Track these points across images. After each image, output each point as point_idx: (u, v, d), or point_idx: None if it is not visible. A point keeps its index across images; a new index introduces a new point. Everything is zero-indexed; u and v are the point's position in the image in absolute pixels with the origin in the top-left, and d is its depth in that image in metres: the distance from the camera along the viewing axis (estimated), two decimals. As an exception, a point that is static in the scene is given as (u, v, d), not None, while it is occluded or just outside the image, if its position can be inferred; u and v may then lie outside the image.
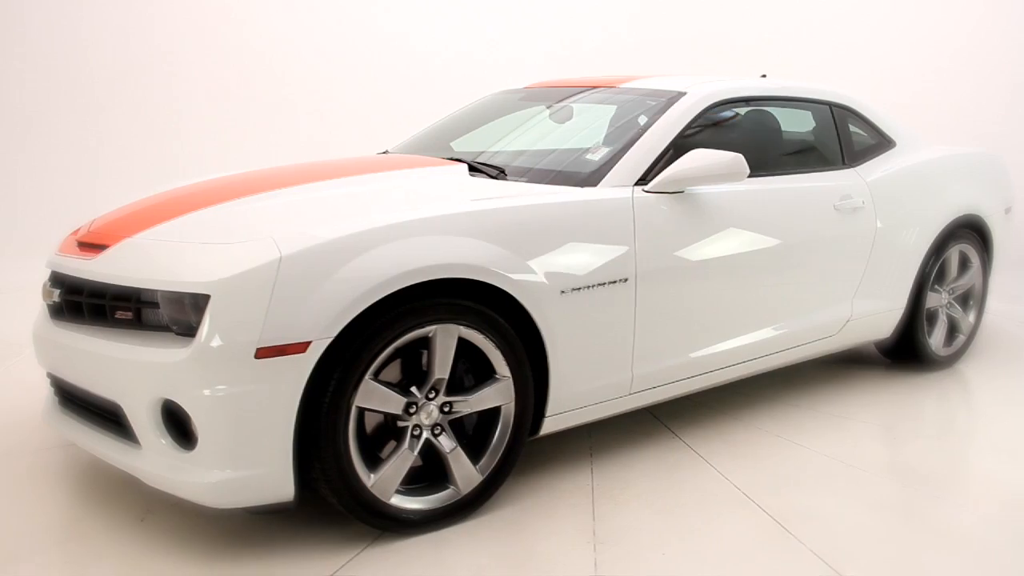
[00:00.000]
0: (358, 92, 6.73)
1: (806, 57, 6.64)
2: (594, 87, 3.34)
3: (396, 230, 2.13)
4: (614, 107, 3.17)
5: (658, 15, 7.12)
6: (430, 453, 2.30)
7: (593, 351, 2.52)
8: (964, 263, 3.83)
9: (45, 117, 6.02)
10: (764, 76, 3.82)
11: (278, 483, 2.05)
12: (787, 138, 3.41)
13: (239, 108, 6.56)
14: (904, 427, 3.23)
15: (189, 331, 2.01)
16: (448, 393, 2.28)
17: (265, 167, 2.99)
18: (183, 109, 6.44)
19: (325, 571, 2.10)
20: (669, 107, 2.91)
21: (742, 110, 3.23)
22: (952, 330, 3.85)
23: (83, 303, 2.27)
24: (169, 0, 6.39)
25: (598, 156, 2.76)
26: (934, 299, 3.71)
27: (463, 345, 2.28)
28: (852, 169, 3.43)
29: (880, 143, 3.62)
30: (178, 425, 2.07)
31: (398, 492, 2.24)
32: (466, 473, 2.32)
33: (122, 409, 2.13)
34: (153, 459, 2.11)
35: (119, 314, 2.19)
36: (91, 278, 2.25)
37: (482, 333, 2.27)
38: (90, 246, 2.36)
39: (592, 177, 2.66)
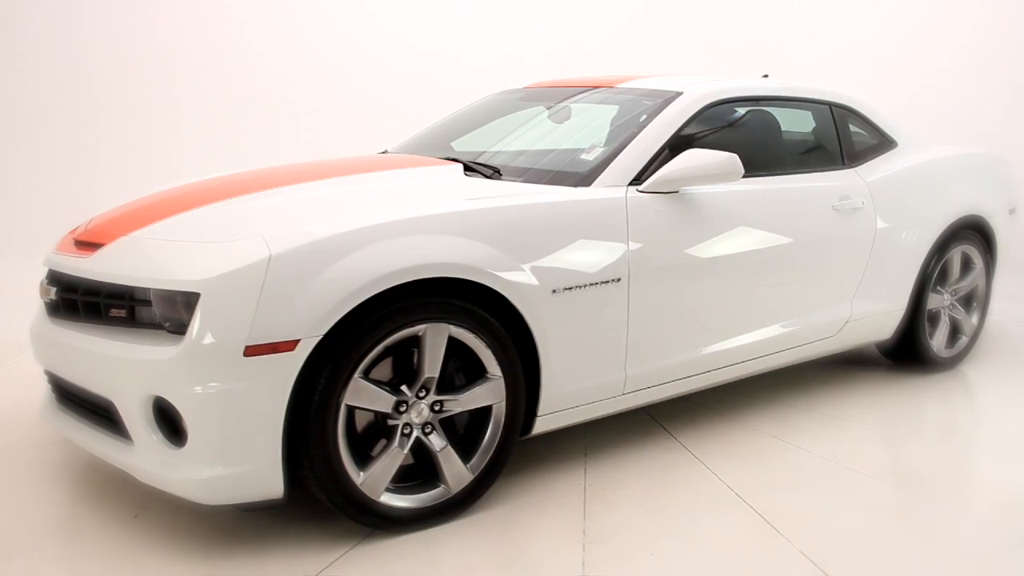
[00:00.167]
0: (359, 92, 6.75)
1: (810, 57, 6.61)
2: (592, 87, 3.34)
3: (385, 230, 2.14)
4: (611, 107, 3.17)
5: (661, 15, 7.11)
6: (422, 452, 2.31)
7: (585, 351, 2.52)
8: (967, 264, 3.81)
9: (45, 117, 6.07)
10: (766, 76, 3.81)
11: (267, 480, 2.07)
12: (786, 138, 3.39)
13: (239, 108, 6.59)
14: (903, 429, 3.21)
15: (180, 329, 2.03)
16: (439, 392, 2.29)
17: (262, 167, 3.02)
18: (183, 109, 6.48)
19: (314, 568, 2.11)
20: (665, 107, 2.90)
21: (740, 110, 3.21)
22: (955, 331, 3.83)
23: (78, 301, 2.30)
24: (169, 0, 6.44)
25: (592, 156, 2.76)
26: (936, 300, 3.69)
27: (455, 344, 2.29)
28: (852, 169, 3.41)
29: (881, 143, 3.60)
30: (169, 422, 2.09)
31: (388, 490, 2.25)
32: (456, 472, 2.33)
33: (115, 406, 2.15)
34: (145, 456, 2.13)
35: (113, 312, 2.21)
36: (86, 276, 2.28)
37: (473, 332, 2.28)
38: (86, 244, 2.38)
39: (586, 177, 2.66)
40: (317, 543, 2.23)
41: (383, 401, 2.19)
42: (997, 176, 3.99)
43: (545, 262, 2.38)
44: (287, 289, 2.01)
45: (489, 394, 2.35)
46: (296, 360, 2.01)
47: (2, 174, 6.08)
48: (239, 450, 2.02)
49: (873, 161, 3.52)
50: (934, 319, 3.74)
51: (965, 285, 3.82)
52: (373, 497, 2.20)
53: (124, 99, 6.25)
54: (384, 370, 2.27)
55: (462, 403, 2.33)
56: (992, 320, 4.43)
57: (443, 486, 2.32)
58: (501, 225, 2.32)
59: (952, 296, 3.79)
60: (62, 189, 6.02)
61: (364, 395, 2.15)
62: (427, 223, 2.21)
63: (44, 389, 2.60)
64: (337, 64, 6.74)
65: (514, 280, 2.30)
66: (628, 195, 2.62)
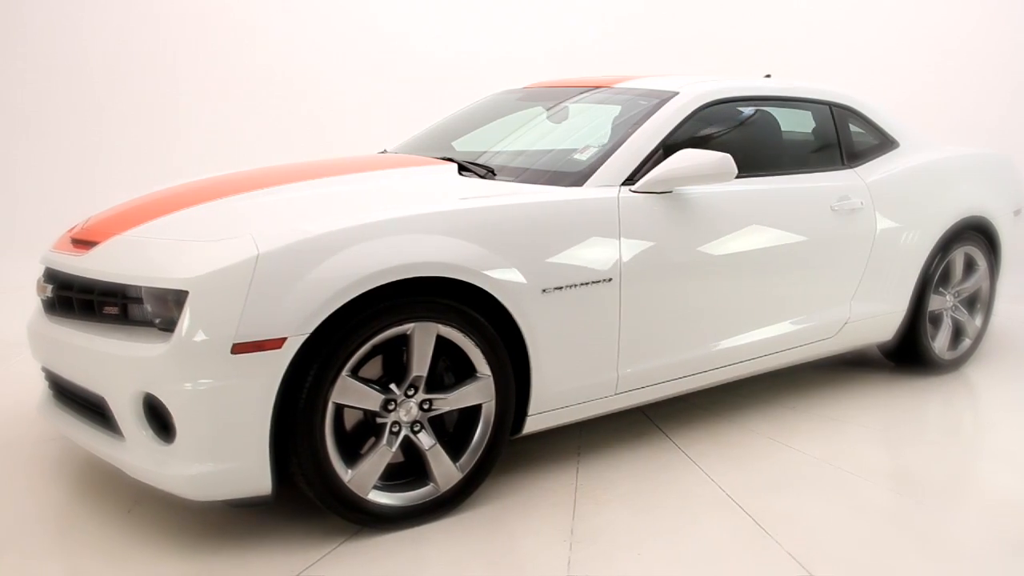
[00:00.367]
0: (359, 92, 6.77)
1: (814, 58, 6.57)
2: (590, 87, 3.34)
3: (372, 229, 2.15)
4: (608, 107, 3.17)
5: (665, 15, 7.08)
6: (412, 450, 2.32)
7: (576, 351, 2.52)
8: (970, 265, 3.77)
9: (45, 117, 6.12)
10: (768, 76, 3.80)
11: (255, 477, 2.09)
12: (784, 138, 3.38)
13: (240, 108, 6.62)
14: (902, 431, 3.18)
15: (171, 326, 2.05)
16: (428, 391, 2.30)
17: (258, 166, 3.04)
18: (183, 109, 6.52)
19: (302, 564, 2.13)
20: (660, 107, 2.90)
21: (737, 110, 3.20)
22: (957, 333, 3.79)
23: (73, 298, 2.33)
24: (170, 0, 6.49)
25: (586, 156, 2.76)
26: (938, 302, 3.66)
27: (444, 343, 2.30)
28: (851, 170, 3.39)
29: (883, 143, 3.58)
30: (159, 419, 2.11)
31: (377, 488, 2.26)
32: (445, 470, 2.34)
33: (107, 402, 2.18)
34: (136, 451, 2.16)
35: (106, 309, 2.24)
36: (80, 274, 2.31)
37: (461, 332, 2.29)
38: (81, 243, 2.41)
39: (579, 177, 2.66)
40: (306, 539, 2.24)
41: (371, 399, 2.21)
42: (1002, 177, 3.95)
43: (535, 262, 2.38)
44: (275, 287, 2.03)
45: (478, 393, 2.36)
46: (283, 358, 2.03)
47: (2, 174, 6.15)
48: (227, 447, 2.04)
49: (874, 161, 3.49)
50: (936, 321, 3.71)
51: (968, 287, 3.78)
52: (361, 495, 2.22)
53: (124, 99, 6.30)
54: (374, 368, 2.28)
55: (451, 402, 2.33)
56: (997, 322, 4.39)
57: (432, 484, 2.33)
58: (490, 225, 2.33)
59: (955, 298, 3.75)
60: (62, 189, 6.08)
61: (352, 393, 2.16)
62: (414, 223, 2.22)
63: (42, 386, 2.63)
64: (337, 64, 6.77)
65: (503, 279, 2.30)
66: (621, 195, 2.62)
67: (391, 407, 2.25)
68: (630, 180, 2.69)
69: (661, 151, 2.78)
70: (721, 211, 2.83)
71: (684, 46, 6.87)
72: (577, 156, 2.80)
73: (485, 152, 3.07)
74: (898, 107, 3.82)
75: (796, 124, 3.47)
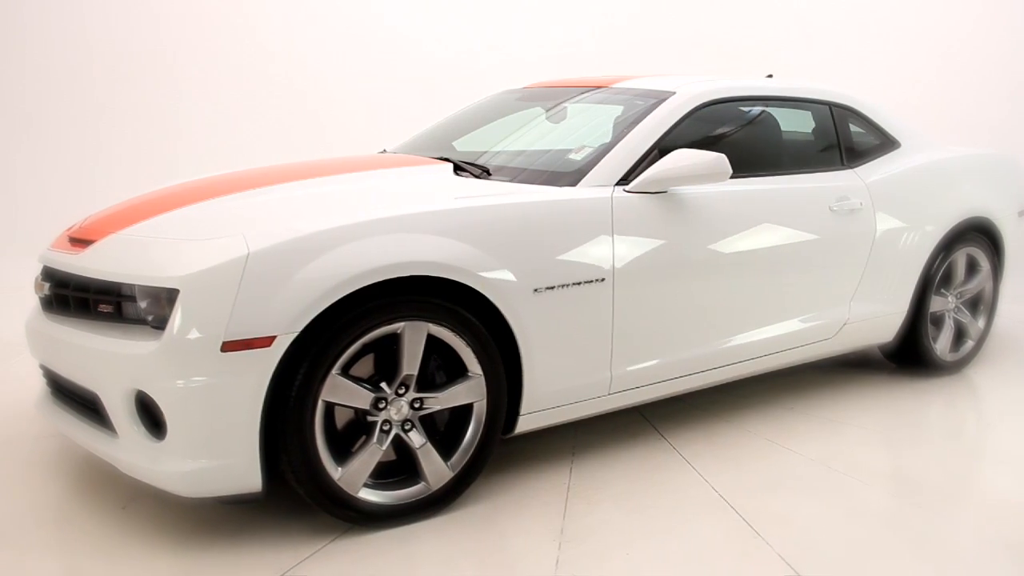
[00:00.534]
0: (360, 92, 6.79)
1: (817, 58, 6.55)
2: (589, 87, 3.34)
3: (362, 228, 2.16)
4: (605, 107, 3.17)
5: (668, 15, 7.07)
6: (404, 448, 2.33)
7: (569, 350, 2.52)
8: (973, 267, 3.74)
9: (45, 117, 6.17)
10: (770, 76, 3.78)
11: (246, 474, 2.10)
12: (782, 139, 3.37)
13: (240, 108, 6.65)
14: (902, 433, 3.16)
15: (163, 324, 2.07)
16: (419, 389, 2.31)
17: (255, 166, 3.06)
18: (184, 109, 6.55)
19: (292, 561, 2.14)
20: (656, 107, 2.90)
21: (735, 110, 3.20)
22: (960, 335, 3.76)
23: (69, 296, 2.35)
24: (170, 0, 6.52)
25: (580, 156, 2.77)
26: (939, 303, 3.63)
27: (436, 342, 2.31)
28: (851, 170, 3.37)
29: (883, 144, 3.56)
30: (151, 416, 2.13)
31: (367, 486, 2.27)
32: (436, 469, 2.34)
33: (100, 399, 2.20)
34: (128, 448, 2.18)
35: (101, 307, 2.26)
36: (76, 272, 2.33)
37: (452, 331, 2.29)
38: (78, 241, 2.44)
39: (573, 177, 2.67)
40: (296, 536, 2.26)
41: (361, 398, 2.22)
42: (1006, 177, 3.92)
43: (526, 261, 2.38)
44: (265, 286, 2.04)
45: (470, 392, 2.37)
46: (273, 356, 2.04)
47: (2, 174, 6.20)
48: (217, 444, 2.06)
49: (874, 162, 3.47)
50: (938, 322, 3.68)
51: (971, 288, 3.76)
52: (351, 492, 2.23)
53: (124, 99, 6.34)
54: (366, 367, 2.29)
55: (442, 401, 2.34)
56: (1001, 323, 4.36)
57: (423, 483, 2.34)
58: (480, 224, 2.33)
59: (957, 299, 3.72)
60: (62, 189, 6.13)
61: (341, 391, 2.17)
62: (403, 222, 2.23)
63: (40, 384, 2.66)
64: (338, 64, 6.79)
65: (493, 279, 2.31)
66: (614, 195, 2.62)
67: (382, 406, 2.26)
68: (625, 180, 2.69)
69: (657, 151, 2.77)
70: (716, 211, 2.83)
71: (686, 46, 6.86)
72: (572, 156, 2.80)
73: (484, 152, 3.07)
74: (898, 107, 3.79)
75: (795, 124, 3.46)
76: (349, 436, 2.30)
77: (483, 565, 2.16)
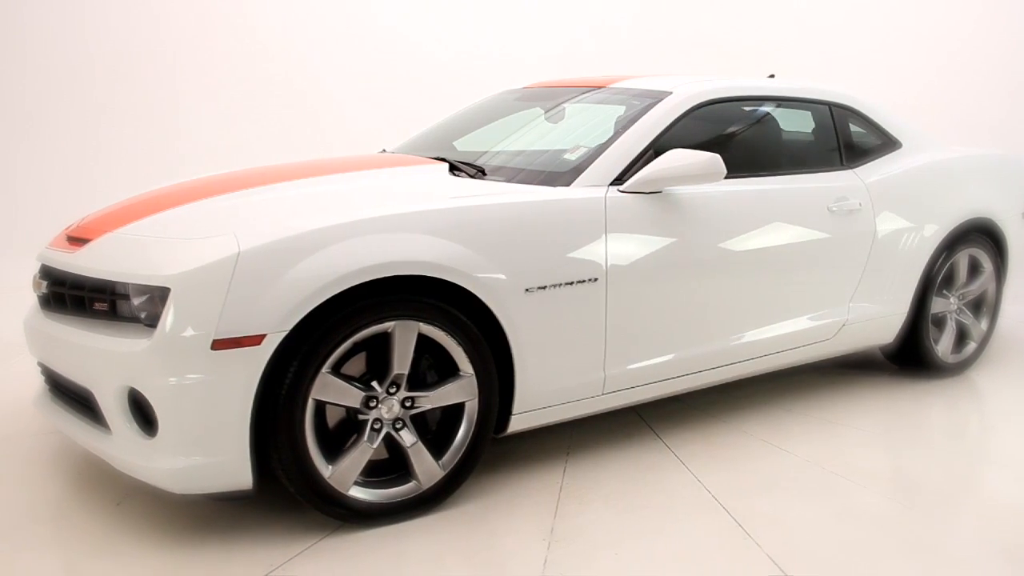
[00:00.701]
0: (361, 92, 6.81)
1: (817, 58, 6.53)
2: (587, 87, 3.34)
3: (352, 228, 2.17)
4: (603, 107, 3.17)
5: (671, 15, 7.06)
6: (396, 447, 2.34)
7: (562, 350, 2.53)
8: (975, 268, 3.71)
9: (45, 116, 6.21)
10: (772, 76, 3.77)
11: (236, 471, 2.12)
12: (781, 139, 3.36)
13: (240, 108, 6.67)
14: (901, 435, 3.14)
15: (156, 322, 2.09)
16: (410, 388, 2.32)
17: (252, 166, 3.08)
18: (184, 109, 6.58)
19: (282, 557, 2.16)
20: (652, 107, 2.90)
21: (733, 110, 3.19)
22: (962, 337, 3.74)
23: (66, 294, 2.38)
24: (170, 0, 6.56)
25: (575, 156, 2.77)
26: (941, 304, 3.61)
27: (428, 341, 2.31)
28: (851, 170, 3.35)
29: (884, 144, 3.54)
30: (143, 413, 2.15)
31: (358, 484, 2.28)
32: (427, 468, 2.35)
33: (94, 396, 2.22)
34: (121, 445, 2.20)
35: (96, 305, 2.28)
36: (72, 270, 2.35)
37: (443, 330, 2.30)
38: (75, 240, 2.47)
39: (566, 177, 2.67)
40: (287, 533, 2.27)
41: (351, 396, 2.23)
42: (1010, 178, 3.89)
43: (517, 261, 2.39)
44: (255, 285, 2.06)
45: (461, 391, 2.37)
46: (263, 354, 2.06)
47: (2, 174, 6.25)
48: (208, 441, 2.08)
49: (875, 162, 3.45)
50: (940, 323, 3.66)
51: (973, 289, 3.73)
52: (342, 490, 2.24)
53: (125, 99, 6.38)
54: (358, 365, 2.30)
55: (433, 400, 2.35)
56: (1006, 325, 4.32)
57: (414, 482, 2.35)
58: (471, 224, 2.34)
59: (959, 300, 3.70)
60: (62, 189, 6.18)
61: (331, 390, 2.18)
62: (394, 222, 2.24)
63: (39, 380, 2.69)
64: (338, 64, 6.81)
65: (485, 278, 2.31)
66: (608, 195, 2.62)
67: (373, 404, 2.27)
68: (619, 180, 2.68)
69: (652, 151, 2.77)
70: (712, 212, 2.82)
71: (688, 46, 6.85)
72: (567, 156, 2.80)
73: (483, 152, 3.08)
74: (898, 107, 3.77)
75: (795, 124, 3.44)
76: (341, 434, 2.31)
77: (471, 564, 2.16)
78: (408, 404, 2.32)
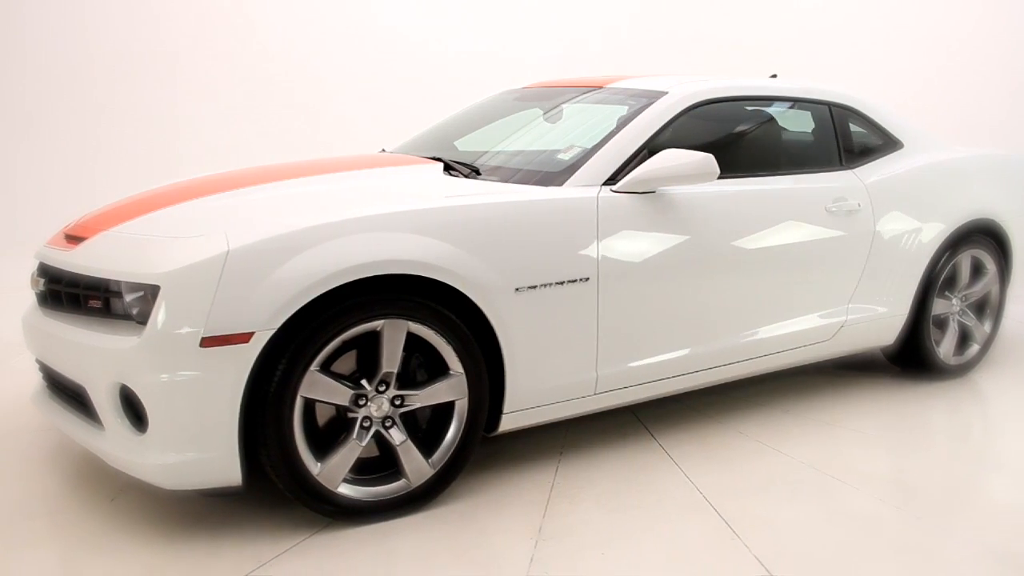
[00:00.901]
0: (361, 92, 6.82)
1: (819, 58, 6.49)
2: (585, 87, 3.34)
3: (341, 227, 2.19)
4: (600, 107, 3.17)
5: (673, 14, 7.04)
6: (387, 445, 2.35)
7: (553, 350, 2.53)
8: (978, 269, 3.68)
9: (45, 117, 6.27)
10: (775, 76, 3.76)
11: (225, 467, 2.14)
12: (779, 139, 3.34)
13: (240, 108, 6.70)
14: (900, 437, 3.12)
15: (147, 320, 2.11)
16: (401, 387, 2.33)
17: (249, 166, 3.10)
18: (184, 109, 6.61)
19: (271, 553, 2.18)
20: (646, 107, 2.89)
21: (730, 110, 3.18)
22: (964, 338, 3.70)
23: (61, 292, 2.41)
24: (170, 0, 6.60)
25: (568, 156, 2.77)
26: (943, 306, 3.58)
27: (419, 340, 2.32)
28: (850, 171, 3.33)
29: (886, 144, 3.51)
30: (134, 409, 2.17)
31: (347, 481, 2.29)
32: (417, 466, 2.36)
33: (87, 392, 2.25)
34: (114, 441, 2.22)
35: (91, 303, 2.31)
36: (68, 268, 2.38)
37: (433, 329, 2.31)
38: (72, 238, 2.50)
39: (559, 176, 2.67)
40: (277, 530, 2.29)
41: (340, 394, 2.24)
42: (1014, 178, 3.84)
43: (508, 260, 2.39)
44: (244, 283, 2.07)
45: (451, 390, 2.38)
46: (251, 352, 2.07)
47: (2, 174, 6.30)
48: (197, 438, 2.10)
49: (875, 162, 3.43)
50: (942, 325, 3.63)
51: (976, 291, 3.69)
52: (330, 488, 2.25)
53: (125, 99, 6.42)
54: (349, 363, 2.32)
55: (423, 398, 2.36)
56: (1010, 327, 4.27)
57: (404, 480, 2.36)
58: (461, 223, 2.35)
59: (962, 302, 3.66)
60: (62, 189, 6.24)
61: (320, 388, 2.20)
62: (383, 221, 2.25)
63: (37, 377, 2.73)
64: (339, 64, 6.83)
65: (474, 277, 2.32)
66: (600, 195, 2.62)
67: (362, 402, 2.28)
68: (613, 180, 2.68)
69: (646, 151, 2.77)
70: (706, 212, 2.81)
71: (690, 46, 6.83)
72: (560, 156, 2.80)
73: (482, 152, 3.09)
74: (898, 107, 3.74)
75: (794, 125, 3.43)
76: (332, 432, 2.32)
77: (459, 562, 2.17)
78: (398, 402, 2.33)
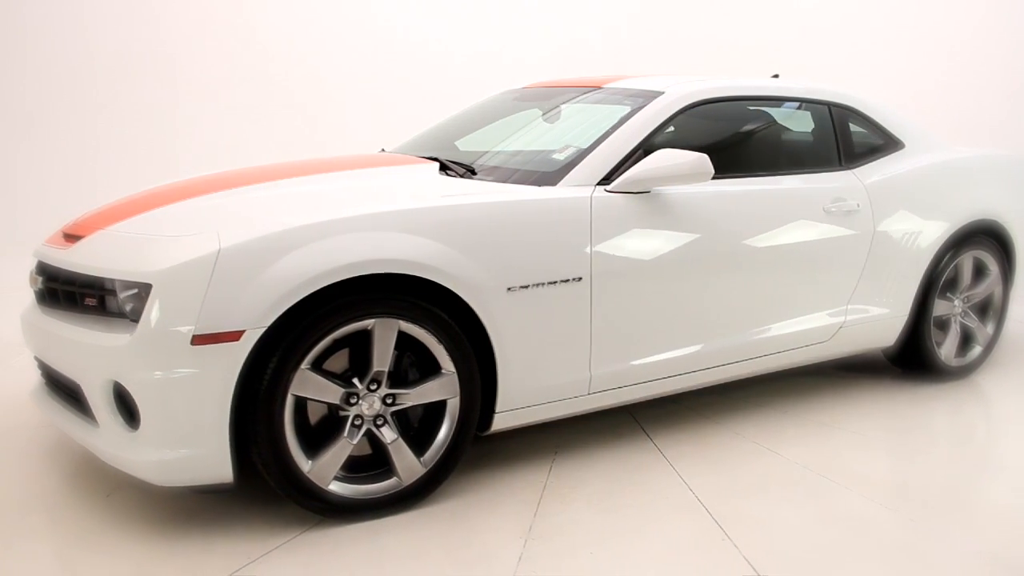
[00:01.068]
0: (360, 92, 6.83)
1: (824, 58, 6.47)
2: (583, 87, 3.34)
3: (333, 226, 2.20)
4: (597, 107, 3.16)
5: (674, 14, 7.02)
6: (379, 443, 2.36)
7: (545, 349, 2.53)
8: (980, 270, 3.65)
9: (45, 117, 6.32)
10: (776, 76, 3.75)
11: (217, 464, 2.15)
12: (777, 139, 3.33)
13: (240, 108, 6.72)
14: (898, 439, 3.10)
15: (140, 318, 2.13)
16: (392, 385, 2.34)
17: (248, 166, 3.12)
18: (184, 109, 6.63)
19: (262, 550, 2.19)
20: (642, 107, 2.89)
21: (727, 110, 3.17)
22: (966, 340, 3.67)
23: (58, 290, 2.43)
24: (170, 0, 6.63)
25: (563, 156, 2.77)
26: (944, 307, 3.55)
27: (411, 339, 2.33)
28: (850, 171, 3.32)
29: (886, 144, 3.49)
30: (127, 406, 2.19)
31: (338, 479, 2.31)
32: (408, 464, 2.37)
33: (82, 389, 2.27)
34: (108, 437, 2.25)
35: (87, 301, 2.33)
36: (64, 267, 2.41)
37: (424, 328, 2.32)
38: (70, 237, 2.52)
39: (555, 176, 2.67)
40: (268, 526, 2.30)
41: (331, 392, 2.25)
42: (1017, 179, 3.81)
43: (500, 260, 2.40)
44: (235, 282, 2.09)
45: (442, 389, 2.39)
46: (242, 350, 2.09)
47: (2, 174, 6.35)
48: (188, 435, 2.11)
49: (875, 162, 3.41)
50: (944, 326, 3.60)
51: (979, 292, 3.66)
52: (321, 485, 2.27)
53: (125, 99, 6.46)
54: (341, 362, 2.33)
55: (414, 397, 2.37)
56: (1014, 328, 4.24)
57: (395, 478, 2.37)
58: (453, 223, 2.35)
59: (964, 303, 3.64)
60: (62, 189, 6.28)
61: (311, 386, 2.21)
62: (375, 220, 2.26)
63: (36, 375, 2.76)
64: (339, 64, 6.85)
65: (465, 277, 2.33)
66: (594, 194, 2.62)
67: (353, 401, 2.29)
68: (607, 180, 2.68)
69: (641, 151, 2.77)
70: (702, 211, 2.81)
71: (690, 46, 6.81)
72: (555, 156, 2.80)
73: (482, 152, 3.09)
74: (898, 107, 3.71)
75: (792, 125, 3.41)
76: (324, 430, 2.34)
77: (450, 560, 2.18)
78: (389, 401, 2.34)
